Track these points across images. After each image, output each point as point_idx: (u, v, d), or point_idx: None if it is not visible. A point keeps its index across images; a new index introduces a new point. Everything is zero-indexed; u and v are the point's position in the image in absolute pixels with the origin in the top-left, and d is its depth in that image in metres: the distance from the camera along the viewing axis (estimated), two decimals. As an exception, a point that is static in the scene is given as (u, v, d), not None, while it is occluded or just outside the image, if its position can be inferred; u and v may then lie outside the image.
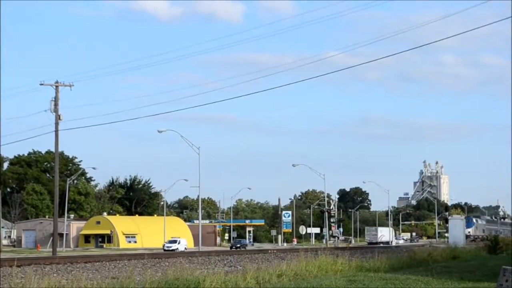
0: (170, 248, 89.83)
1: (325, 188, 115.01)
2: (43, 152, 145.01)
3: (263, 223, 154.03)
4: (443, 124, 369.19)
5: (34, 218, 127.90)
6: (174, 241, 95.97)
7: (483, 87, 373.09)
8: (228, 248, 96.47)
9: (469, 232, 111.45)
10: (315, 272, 28.13)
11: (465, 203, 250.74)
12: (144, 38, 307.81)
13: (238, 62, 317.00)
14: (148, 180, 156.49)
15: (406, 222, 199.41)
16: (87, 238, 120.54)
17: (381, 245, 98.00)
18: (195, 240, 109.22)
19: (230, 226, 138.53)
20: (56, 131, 61.37)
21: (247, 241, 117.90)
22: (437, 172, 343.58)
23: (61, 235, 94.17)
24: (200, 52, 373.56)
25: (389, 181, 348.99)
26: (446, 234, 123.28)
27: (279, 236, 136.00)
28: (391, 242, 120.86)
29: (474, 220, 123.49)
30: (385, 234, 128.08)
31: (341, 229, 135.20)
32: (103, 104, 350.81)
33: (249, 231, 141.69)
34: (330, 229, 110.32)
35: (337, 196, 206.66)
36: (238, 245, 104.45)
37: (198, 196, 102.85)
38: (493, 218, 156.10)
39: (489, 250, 52.72)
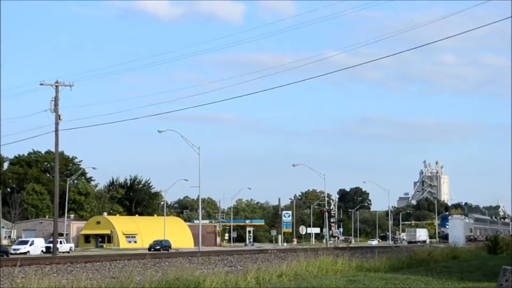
0: (18, 251, 75.11)
1: (325, 188, 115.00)
2: (43, 152, 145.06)
3: (263, 223, 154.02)
4: (443, 124, 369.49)
5: (34, 218, 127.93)
6: (25, 242, 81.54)
7: (483, 87, 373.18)
8: (228, 248, 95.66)
9: None
10: (315, 272, 28.15)
11: (465, 203, 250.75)
12: (144, 38, 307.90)
13: (238, 62, 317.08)
14: (148, 180, 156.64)
15: (406, 222, 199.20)
16: (87, 238, 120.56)
17: (419, 243, 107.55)
18: (195, 240, 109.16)
19: (230, 226, 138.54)
20: (56, 131, 61.36)
21: (169, 241, 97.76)
22: (437, 172, 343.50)
23: (61, 235, 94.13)
24: (200, 52, 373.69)
25: (389, 181, 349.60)
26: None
27: (279, 236, 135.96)
28: (427, 241, 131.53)
29: None
30: (421, 234, 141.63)
31: (341, 229, 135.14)
32: (103, 104, 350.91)
33: (249, 231, 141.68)
34: (330, 229, 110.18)
35: (337, 196, 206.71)
36: (158, 247, 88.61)
37: (198, 196, 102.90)
38: (493, 218, 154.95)
39: (489, 250, 52.79)
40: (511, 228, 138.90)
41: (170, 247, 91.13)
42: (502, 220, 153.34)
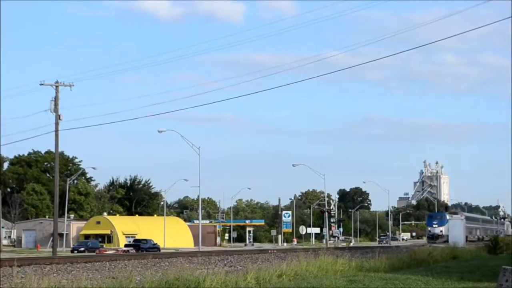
0: None
1: (325, 188, 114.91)
2: (43, 152, 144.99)
3: (263, 223, 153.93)
4: (443, 124, 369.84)
5: (34, 218, 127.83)
6: None
7: (483, 87, 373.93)
8: (228, 248, 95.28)
9: (441, 231, 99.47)
10: (315, 272, 28.13)
11: (465, 203, 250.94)
12: (144, 38, 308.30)
13: (238, 62, 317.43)
14: (148, 180, 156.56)
15: (406, 222, 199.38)
16: (87, 238, 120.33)
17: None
18: (195, 240, 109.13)
19: (230, 226, 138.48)
20: (56, 131, 61.33)
21: (99, 242, 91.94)
22: (437, 172, 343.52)
23: (61, 235, 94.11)
24: (200, 52, 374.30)
25: (389, 181, 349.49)
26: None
27: (279, 236, 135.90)
28: None
29: (448, 217, 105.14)
30: None
31: (341, 229, 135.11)
32: (103, 104, 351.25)
33: (249, 231, 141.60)
34: (330, 229, 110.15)
35: (337, 196, 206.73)
36: (82, 248, 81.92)
37: (198, 196, 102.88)
38: (493, 218, 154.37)
39: (489, 250, 52.80)
40: (506, 227, 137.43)
41: (98, 248, 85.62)
42: (502, 220, 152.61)
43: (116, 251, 69.94)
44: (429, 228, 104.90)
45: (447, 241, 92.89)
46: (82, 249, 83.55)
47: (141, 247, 78.07)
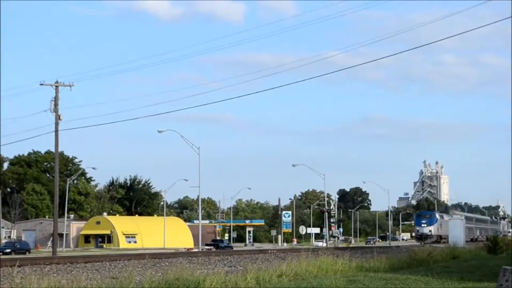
0: None
1: (325, 188, 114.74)
2: (43, 152, 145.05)
3: (263, 223, 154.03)
4: (443, 124, 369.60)
5: (34, 218, 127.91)
6: None
7: (483, 87, 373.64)
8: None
9: (430, 231, 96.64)
10: (315, 272, 28.12)
11: (465, 203, 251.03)
12: (144, 38, 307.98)
13: (238, 62, 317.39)
14: (148, 180, 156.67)
15: (406, 222, 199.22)
16: (87, 238, 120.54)
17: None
18: (195, 240, 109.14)
19: (230, 226, 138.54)
20: (56, 131, 61.31)
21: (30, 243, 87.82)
22: (437, 172, 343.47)
23: (61, 235, 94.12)
24: (200, 52, 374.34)
25: (389, 181, 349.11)
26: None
27: (279, 236, 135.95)
28: None
29: (437, 216, 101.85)
30: None
31: (341, 229, 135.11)
32: (103, 104, 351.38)
33: (249, 231, 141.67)
34: (330, 229, 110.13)
35: (337, 196, 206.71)
36: (9, 250, 75.10)
37: (198, 196, 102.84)
38: (493, 218, 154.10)
39: (489, 250, 52.81)
40: (502, 227, 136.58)
41: (28, 250, 79.40)
42: (501, 220, 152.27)
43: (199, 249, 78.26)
44: (417, 228, 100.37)
45: (436, 241, 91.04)
46: (8, 250, 75.17)
47: (219, 246, 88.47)
